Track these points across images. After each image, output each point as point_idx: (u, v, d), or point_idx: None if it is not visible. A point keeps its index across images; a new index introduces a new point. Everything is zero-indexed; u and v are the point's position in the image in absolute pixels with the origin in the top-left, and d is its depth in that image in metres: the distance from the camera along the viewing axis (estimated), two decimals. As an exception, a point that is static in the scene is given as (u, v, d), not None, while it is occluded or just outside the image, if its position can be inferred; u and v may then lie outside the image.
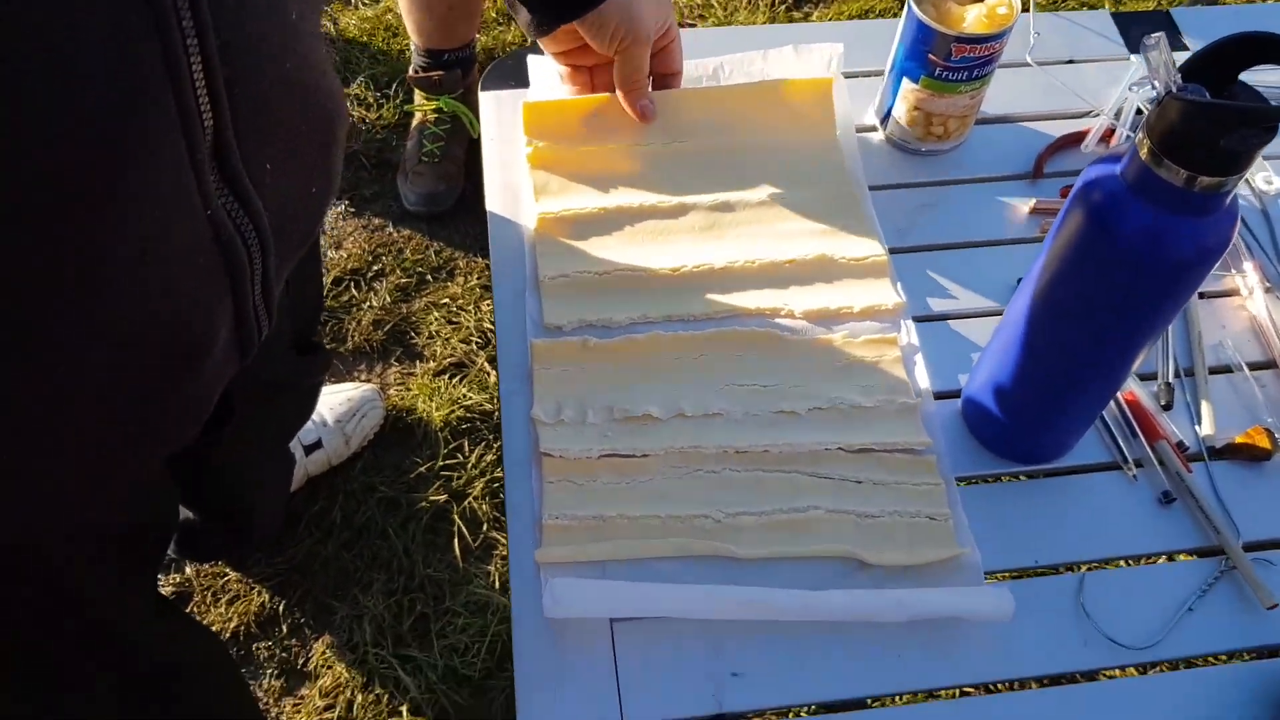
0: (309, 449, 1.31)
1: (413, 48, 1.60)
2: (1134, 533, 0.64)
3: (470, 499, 1.35)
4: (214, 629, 1.25)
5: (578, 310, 0.70)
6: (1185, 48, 0.89)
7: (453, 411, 1.41)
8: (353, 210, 1.63)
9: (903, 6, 0.75)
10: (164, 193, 0.44)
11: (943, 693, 0.63)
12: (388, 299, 1.53)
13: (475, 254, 1.58)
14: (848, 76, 0.84)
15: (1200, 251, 0.51)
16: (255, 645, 1.24)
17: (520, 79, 0.83)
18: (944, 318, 0.73)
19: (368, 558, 1.30)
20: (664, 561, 0.61)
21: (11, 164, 0.38)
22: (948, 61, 0.74)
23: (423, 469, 1.37)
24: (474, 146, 1.63)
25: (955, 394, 0.69)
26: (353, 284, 1.54)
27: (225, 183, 0.47)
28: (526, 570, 0.60)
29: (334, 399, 1.35)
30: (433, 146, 1.60)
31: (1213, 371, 0.71)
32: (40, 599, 0.62)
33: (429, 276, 1.56)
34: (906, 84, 0.77)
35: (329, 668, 1.23)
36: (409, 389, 1.44)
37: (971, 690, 0.59)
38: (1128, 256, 0.52)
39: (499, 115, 0.81)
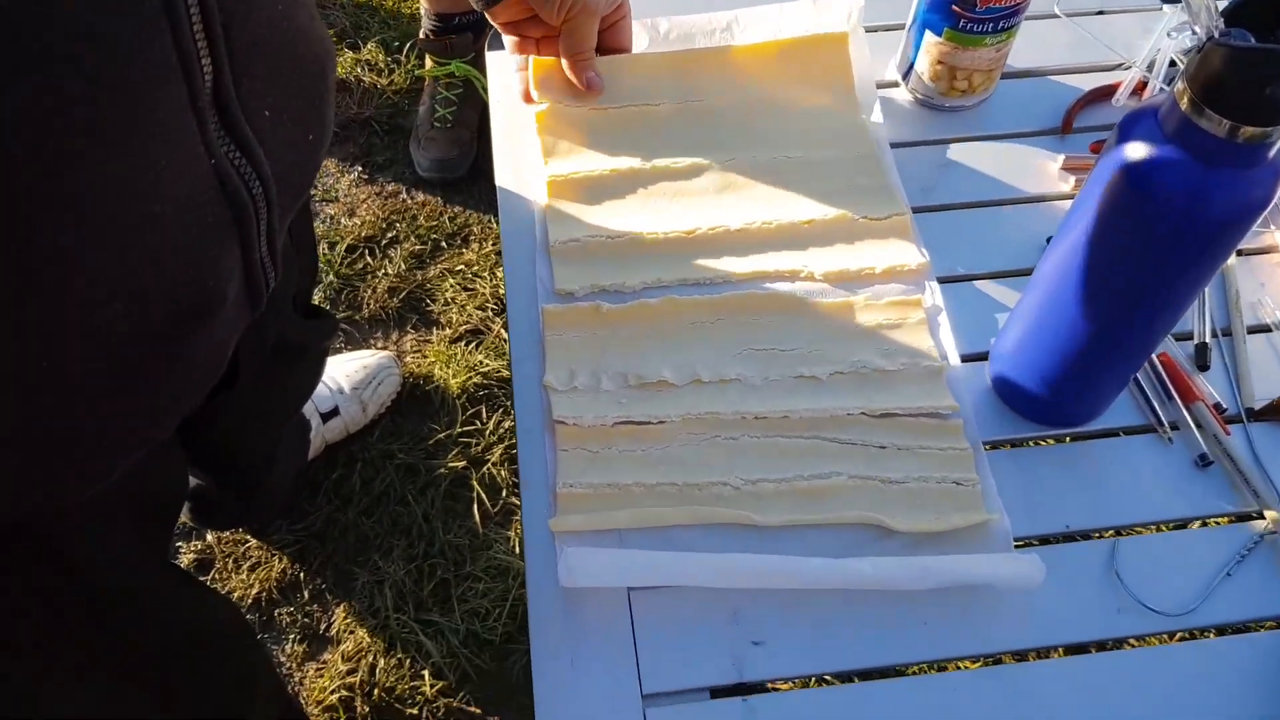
0: (326, 416, 1.30)
1: (423, 11, 1.57)
2: (1169, 497, 0.62)
3: (489, 465, 1.34)
4: (235, 595, 1.25)
5: (590, 275, 0.68)
6: (1223, -7, 0.86)
7: (470, 378, 1.40)
8: (365, 177, 1.61)
9: (927, -47, 0.72)
10: (170, 139, 0.44)
11: (969, 662, 0.62)
12: (402, 266, 1.51)
13: (490, 219, 1.56)
14: (868, 30, 0.81)
15: (1243, 207, 0.49)
16: (277, 611, 1.25)
17: (530, 37, 0.80)
18: (970, 278, 0.71)
19: (387, 524, 1.30)
20: (682, 530, 0.60)
21: (19, 95, 0.38)
22: (972, 13, 0.71)
23: (441, 435, 1.36)
24: (487, 111, 1.60)
25: (983, 357, 0.67)
26: (367, 251, 1.53)
27: (226, 131, 0.47)
28: (541, 539, 0.59)
29: (350, 366, 1.35)
30: (445, 112, 1.58)
31: (1251, 331, 0.69)
32: (54, 573, 0.62)
33: (444, 243, 1.54)
34: (929, 37, 0.75)
35: (350, 633, 1.23)
36: (425, 356, 1.43)
37: (1002, 659, 0.58)
38: (1167, 213, 0.49)
39: (507, 76, 0.79)
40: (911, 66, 0.78)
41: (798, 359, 0.66)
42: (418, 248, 1.53)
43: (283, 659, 1.23)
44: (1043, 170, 0.77)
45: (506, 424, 1.38)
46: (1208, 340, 0.68)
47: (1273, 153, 0.48)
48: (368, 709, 1.19)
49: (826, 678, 0.60)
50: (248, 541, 1.29)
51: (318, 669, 1.22)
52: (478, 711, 1.19)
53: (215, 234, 0.49)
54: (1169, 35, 0.77)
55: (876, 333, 0.67)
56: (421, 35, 1.59)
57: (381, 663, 1.21)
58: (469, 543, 1.29)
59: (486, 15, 0.71)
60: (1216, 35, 0.46)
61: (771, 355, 0.66)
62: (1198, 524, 0.62)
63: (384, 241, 1.54)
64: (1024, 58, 0.82)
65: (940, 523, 0.60)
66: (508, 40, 0.75)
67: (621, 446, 0.62)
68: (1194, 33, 0.47)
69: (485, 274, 1.51)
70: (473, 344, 1.45)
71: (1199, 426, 0.64)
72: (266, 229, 0.54)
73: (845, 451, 0.62)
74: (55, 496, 0.53)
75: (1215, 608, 0.58)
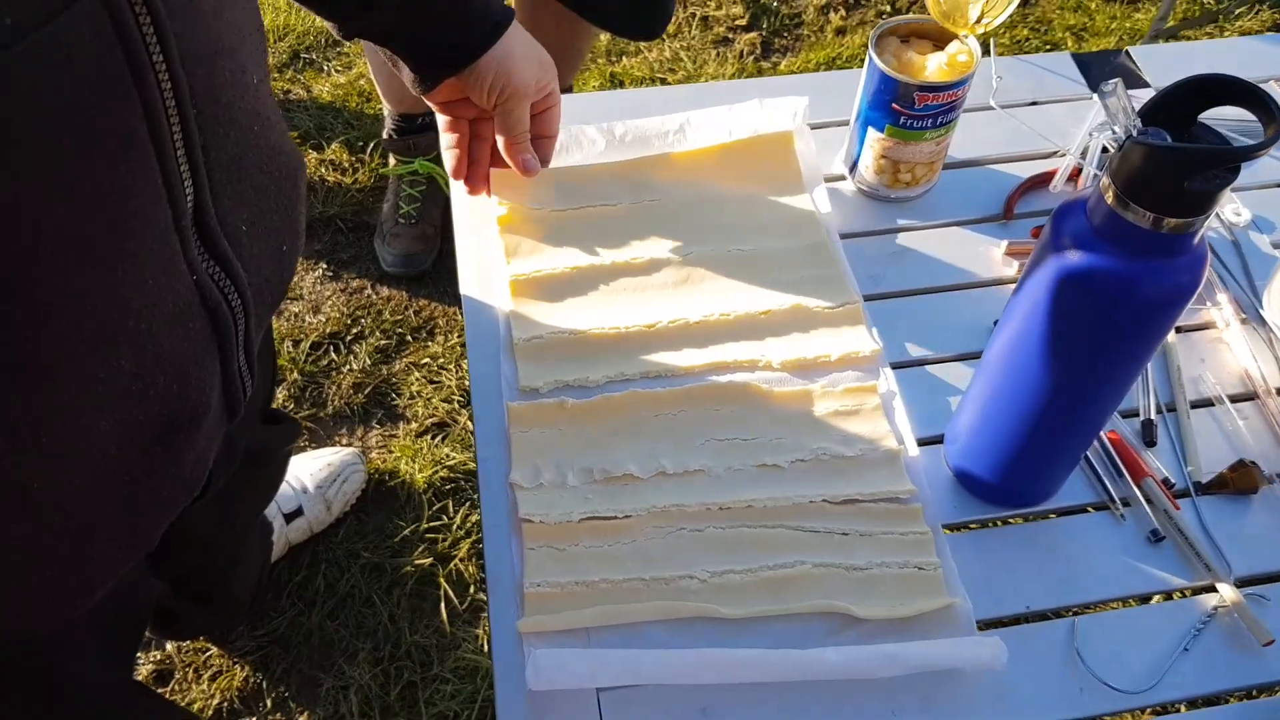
0: (290, 517, 1.29)
1: (386, 112, 1.61)
2: (1125, 573, 0.63)
3: (456, 560, 1.33)
4: (196, 706, 1.21)
5: (553, 371, 0.70)
6: (1146, 84, 0.91)
7: (436, 472, 1.40)
8: (330, 274, 1.63)
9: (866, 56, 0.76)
10: (155, 259, 0.45)
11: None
12: (367, 361, 1.52)
13: (455, 312, 1.58)
14: (814, 128, 0.84)
15: (1172, 292, 0.51)
16: (240, 722, 1.21)
17: (489, 141, 0.83)
18: (922, 363, 0.73)
19: (352, 626, 1.28)
20: (649, 625, 0.60)
21: (26, 224, 0.39)
22: (911, 110, 0.75)
23: (407, 532, 1.35)
24: (449, 207, 1.63)
25: (938, 440, 0.69)
26: (332, 348, 1.53)
27: (206, 247, 0.49)
28: (509, 641, 0.59)
29: (314, 464, 1.34)
30: (409, 208, 1.61)
31: (1194, 405, 0.71)
32: (24, 687, 0.60)
33: (409, 337, 1.55)
34: (872, 133, 0.78)
35: (316, 742, 1.19)
36: (391, 451, 1.43)
37: (970, 745, 0.58)
38: (1100, 300, 0.51)
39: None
40: (857, 161, 0.81)
41: (759, 448, 0.67)
42: (383, 342, 1.54)
43: (246, 771, 1.18)
44: (987, 255, 0.79)
45: (474, 518, 1.36)
46: (1153, 417, 0.70)
47: (1197, 239, 0.50)
48: (335, 821, 1.15)
49: (800, 770, 0.60)
50: (208, 650, 1.26)
51: (282, 780, 1.18)
52: (449, 818, 1.15)
53: (198, 347, 0.50)
54: (1090, 135, 0.81)
55: (835, 420, 0.68)
56: (385, 135, 1.62)
57: (349, 771, 1.18)
58: (436, 643, 1.27)
59: (424, 98, 0.74)
60: (1135, 135, 0.49)
61: (734, 445, 0.67)
62: (1155, 598, 0.63)
63: (349, 337, 1.55)
64: (964, 149, 0.85)
65: (904, 608, 0.60)
66: (441, 119, 0.77)
67: (588, 543, 0.62)
68: (1113, 132, 0.50)
69: (451, 366, 1.51)
70: (439, 437, 1.44)
71: (1149, 502, 0.65)
72: (244, 339, 0.55)
73: (809, 539, 0.63)
74: (32, 621, 0.52)
75: (1174, 683, 0.59)
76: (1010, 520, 0.66)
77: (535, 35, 0.73)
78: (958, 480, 0.67)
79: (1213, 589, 0.63)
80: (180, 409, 0.50)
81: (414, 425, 1.45)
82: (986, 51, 0.77)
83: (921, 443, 0.68)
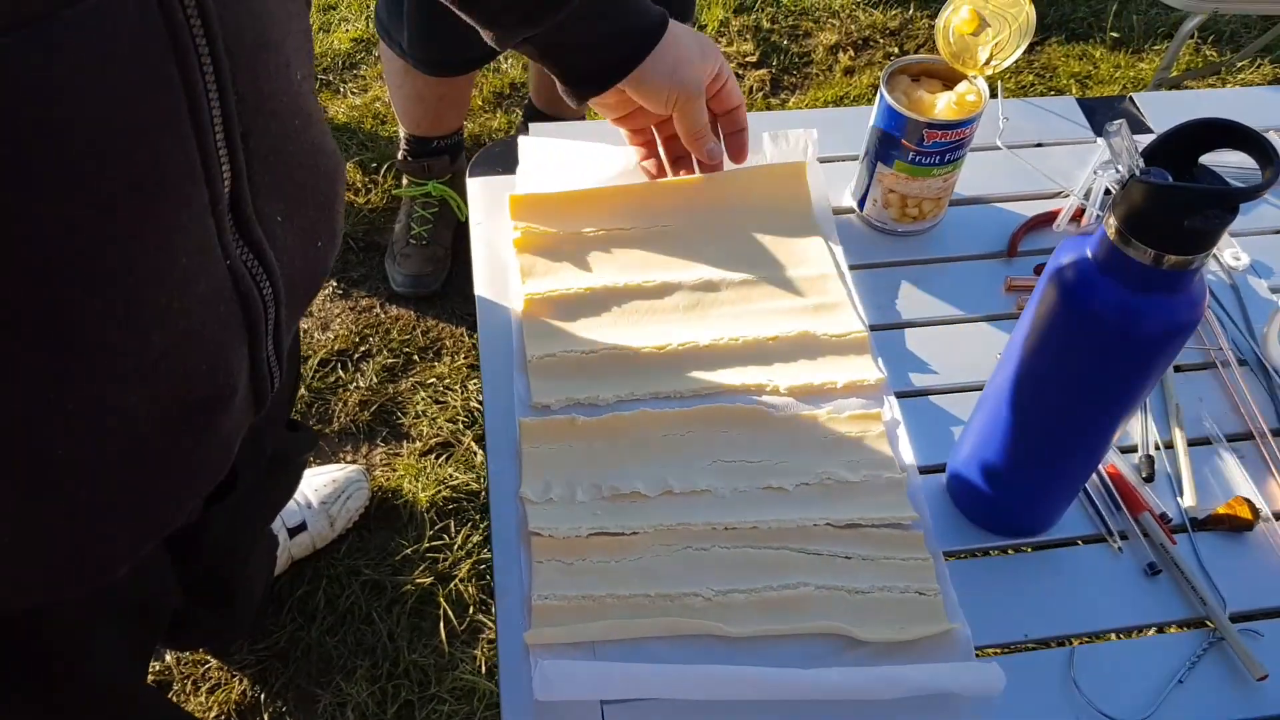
0: (293, 531, 1.30)
1: (401, 135, 1.63)
2: (1121, 605, 0.64)
3: (456, 580, 1.33)
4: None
5: (565, 389, 0.71)
6: (1149, 130, 0.93)
7: (439, 491, 1.41)
8: (340, 292, 1.65)
9: (875, 93, 0.78)
10: (190, 239, 0.46)
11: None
12: (374, 379, 1.53)
13: (462, 333, 1.59)
14: (823, 161, 0.86)
15: (1170, 328, 0.53)
16: (235, 736, 1.21)
17: (507, 165, 0.85)
18: (925, 393, 0.74)
19: (351, 643, 1.28)
20: (654, 641, 0.61)
21: (65, 197, 0.40)
22: (920, 146, 0.77)
23: (408, 551, 1.36)
24: (460, 230, 1.66)
25: (940, 469, 0.70)
26: (339, 365, 1.55)
27: (240, 234, 0.50)
28: (515, 652, 0.60)
29: (318, 480, 1.35)
30: (420, 230, 1.63)
31: (1192, 443, 0.72)
32: (44, 670, 0.61)
33: (415, 357, 1.57)
34: (881, 168, 0.80)
35: (310, 758, 1.20)
36: (395, 469, 1.44)
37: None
38: (1100, 334, 0.53)
39: (487, 200, 0.83)
40: (865, 194, 0.83)
41: (765, 470, 0.68)
42: (390, 361, 1.56)
43: (239, 785, 1.18)
44: (991, 290, 0.81)
45: (475, 538, 1.37)
46: (1151, 453, 0.71)
47: (1196, 278, 0.52)
48: (326, 838, 1.15)
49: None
50: (207, 662, 1.26)
51: (275, 795, 1.18)
52: (441, 839, 1.15)
53: (228, 330, 0.52)
54: (1095, 172, 0.83)
55: (840, 445, 0.70)
56: (400, 157, 1.65)
57: (342, 788, 1.17)
58: (434, 663, 1.27)
59: (599, 111, 0.75)
60: (1138, 173, 0.50)
61: (740, 467, 0.68)
62: (1151, 630, 0.64)
63: (356, 355, 1.56)
64: (971, 186, 0.87)
65: (905, 633, 0.61)
66: (624, 133, 0.80)
67: (595, 558, 0.63)
68: (1117, 170, 0.52)
69: (456, 387, 1.53)
70: (443, 457, 1.46)
71: (1146, 536, 0.67)
72: (274, 329, 0.56)
73: (812, 562, 0.64)
74: (57, 589, 0.53)
75: (1169, 714, 0.60)
76: (1010, 550, 0.67)
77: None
78: (959, 508, 0.68)
79: (1208, 623, 0.64)
80: (208, 390, 0.51)
81: (418, 444, 1.47)
82: (994, 93, 0.79)
83: (924, 471, 0.69)
